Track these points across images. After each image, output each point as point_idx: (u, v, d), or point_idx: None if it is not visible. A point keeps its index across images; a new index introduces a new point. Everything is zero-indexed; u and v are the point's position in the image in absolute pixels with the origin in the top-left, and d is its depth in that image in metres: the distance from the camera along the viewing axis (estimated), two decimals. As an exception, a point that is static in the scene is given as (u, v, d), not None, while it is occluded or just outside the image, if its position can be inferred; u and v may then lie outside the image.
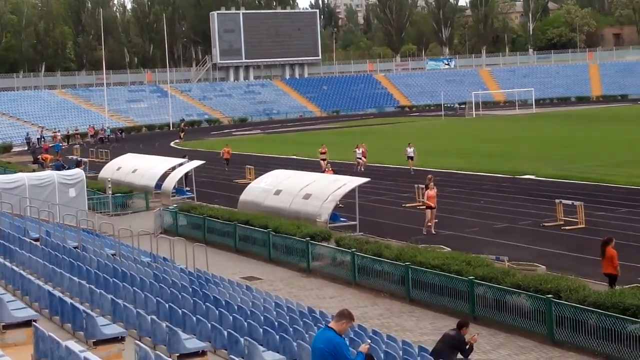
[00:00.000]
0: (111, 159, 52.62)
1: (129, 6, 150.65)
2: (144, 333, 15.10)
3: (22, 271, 18.40)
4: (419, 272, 20.79)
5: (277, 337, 14.17)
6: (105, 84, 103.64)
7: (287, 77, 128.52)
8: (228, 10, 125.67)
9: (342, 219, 31.10)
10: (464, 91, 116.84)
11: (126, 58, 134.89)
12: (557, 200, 30.47)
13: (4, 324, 13.36)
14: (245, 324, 15.05)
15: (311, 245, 25.20)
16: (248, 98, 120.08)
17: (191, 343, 14.04)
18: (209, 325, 15.01)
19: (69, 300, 15.52)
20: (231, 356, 13.61)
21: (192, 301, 16.90)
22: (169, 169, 42.88)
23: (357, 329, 15.45)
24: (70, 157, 64.45)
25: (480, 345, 16.39)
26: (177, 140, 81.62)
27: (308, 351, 12.11)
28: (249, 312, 16.33)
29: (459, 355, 13.95)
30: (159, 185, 41.23)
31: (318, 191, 31.20)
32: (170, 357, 13.23)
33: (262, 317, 15.87)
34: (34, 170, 46.82)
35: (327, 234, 26.61)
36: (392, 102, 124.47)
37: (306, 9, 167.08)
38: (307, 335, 14.22)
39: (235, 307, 16.77)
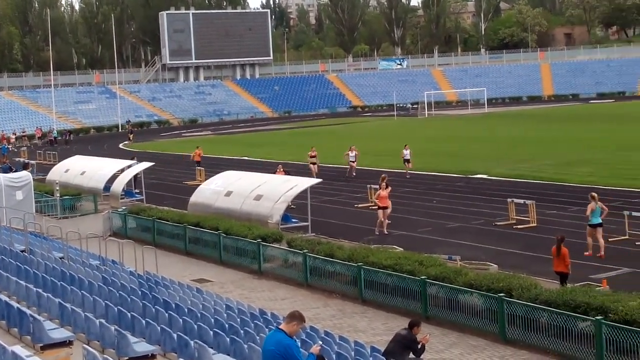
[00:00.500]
0: (59, 161, 51.93)
1: (77, 6, 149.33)
2: (92, 337, 14.95)
3: (-35, 276, 17.99)
4: (372, 273, 20.72)
5: (228, 339, 14.01)
6: (52, 85, 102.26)
7: (238, 77, 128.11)
8: (177, 10, 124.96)
9: (293, 220, 30.95)
10: (416, 91, 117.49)
11: (74, 59, 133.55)
12: (509, 200, 30.65)
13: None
14: (196, 326, 14.89)
15: (262, 246, 25.02)
16: (198, 99, 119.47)
17: (140, 346, 13.96)
18: (159, 328, 14.83)
19: (15, 305, 15.24)
20: (181, 359, 13.45)
21: (141, 304, 16.70)
22: (118, 171, 42.41)
23: (308, 331, 15.34)
24: (17, 159, 63.49)
25: (433, 344, 16.36)
26: (126, 142, 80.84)
27: (259, 353, 12.00)
28: (199, 315, 16.15)
29: (411, 355, 13.87)
30: (107, 187, 40.73)
31: (269, 192, 31.00)
32: (118, 361, 13.03)
33: (212, 320, 15.71)
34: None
35: (279, 235, 26.44)
36: (344, 102, 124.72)
37: (257, 9, 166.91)
38: (258, 338, 14.09)
39: (186, 309, 16.57)
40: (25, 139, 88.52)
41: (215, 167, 47.76)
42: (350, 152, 45.69)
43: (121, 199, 39.44)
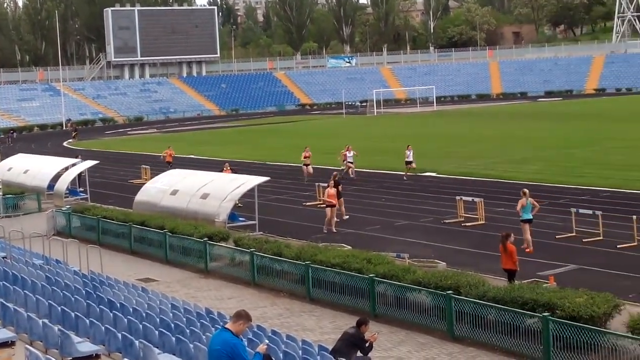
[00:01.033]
0: (2, 160, 51.03)
1: (20, 3, 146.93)
2: (35, 337, 14.75)
3: None
4: (319, 271, 20.60)
5: (174, 339, 13.86)
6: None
7: (185, 75, 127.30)
8: (123, 7, 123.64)
9: (241, 219, 30.72)
10: (365, 89, 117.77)
11: (17, 56, 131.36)
12: (457, 197, 30.76)
13: None
14: (141, 326, 14.70)
15: (209, 245, 24.76)
16: (144, 96, 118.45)
17: (84, 346, 13.83)
18: (103, 328, 14.65)
19: (-46, 306, 14.86)
20: (125, 359, 13.25)
21: (85, 304, 16.47)
22: (62, 170, 41.77)
23: (255, 330, 15.20)
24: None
25: (381, 342, 16.29)
26: (70, 140, 79.74)
27: (205, 353, 11.90)
28: (144, 314, 15.95)
29: (359, 354, 13.78)
30: (51, 186, 40.08)
31: (216, 191, 30.75)
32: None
33: (158, 319, 15.51)
34: None
35: (226, 234, 26.22)
36: (292, 100, 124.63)
37: (204, 6, 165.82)
38: (204, 337, 13.95)
39: (130, 309, 16.33)
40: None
41: (161, 165, 47.33)
42: (347, 152, 42.59)
43: (65, 197, 38.88)
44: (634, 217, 24.97)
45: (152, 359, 12.81)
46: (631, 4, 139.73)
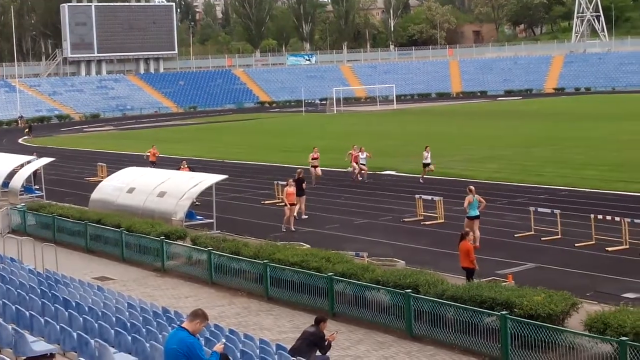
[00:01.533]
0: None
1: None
2: (-12, 337, 14.44)
3: None
4: (278, 270, 20.48)
5: (130, 338, 13.72)
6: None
7: (142, 72, 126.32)
8: (79, 3, 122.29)
9: (198, 217, 30.51)
10: (324, 87, 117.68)
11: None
12: (417, 196, 30.80)
13: None
14: (96, 325, 14.55)
15: (166, 244, 24.54)
16: (100, 93, 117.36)
17: (39, 345, 13.65)
18: (58, 327, 14.44)
19: None
20: (81, 358, 13.17)
21: (40, 303, 16.24)
22: (17, 167, 41.18)
23: (213, 329, 15.05)
24: None
25: (340, 341, 16.23)
26: (25, 137, 78.70)
27: (161, 352, 11.75)
28: (100, 313, 15.75)
29: (318, 353, 13.70)
30: (6, 183, 39.49)
31: (173, 189, 30.50)
32: (16, 360, 12.65)
33: (114, 318, 15.34)
34: None
35: (183, 232, 26.01)
36: (251, 97, 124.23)
37: (162, 2, 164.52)
38: (160, 336, 13.81)
39: (86, 308, 16.12)
40: None
41: (117, 163, 46.87)
42: (360, 153, 39.98)
43: (20, 195, 38.34)
44: (592, 215, 25.21)
45: (107, 358, 12.67)
46: (590, 4, 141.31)
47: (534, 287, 16.89)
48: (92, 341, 13.29)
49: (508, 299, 16.01)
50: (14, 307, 15.51)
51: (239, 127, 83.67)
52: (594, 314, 15.05)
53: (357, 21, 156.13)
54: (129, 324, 14.86)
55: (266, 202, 35.40)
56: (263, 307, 20.21)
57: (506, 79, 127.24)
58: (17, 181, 38.94)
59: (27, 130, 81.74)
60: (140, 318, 15.74)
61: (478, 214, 24.65)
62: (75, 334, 13.89)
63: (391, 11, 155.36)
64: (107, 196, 32.92)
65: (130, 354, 13.27)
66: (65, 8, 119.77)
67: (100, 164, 46.49)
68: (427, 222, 29.13)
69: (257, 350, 13.81)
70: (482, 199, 24.95)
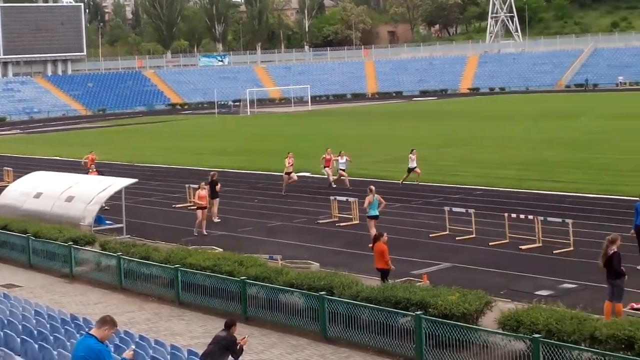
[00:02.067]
0: None
1: None
2: None
3: None
4: (189, 275, 20.09)
5: (36, 346, 13.40)
6: None
7: (50, 73, 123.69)
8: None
9: (107, 222, 29.94)
10: (238, 88, 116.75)
11: None
12: (331, 197, 30.68)
13: None
14: (2, 333, 14.22)
15: (74, 249, 23.91)
16: (6, 96, 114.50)
17: None
18: (-40, 336, 13.85)
19: None
20: (-16, 369, 12.65)
21: (-59, 312, 15.57)
22: None
23: (122, 335, 14.66)
24: None
25: (252, 345, 15.98)
26: None
27: None
28: (5, 322, 15.36)
29: (230, 357, 13.40)
30: None
31: (82, 193, 29.83)
32: None
33: (20, 326, 14.98)
34: None
35: (92, 237, 25.46)
36: (162, 99, 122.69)
37: (70, 2, 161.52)
38: (68, 344, 13.51)
39: (-9, 316, 15.55)
40: None
41: (24, 167, 45.58)
42: (340, 157, 37.76)
43: None
44: (506, 214, 25.48)
45: (13, 368, 12.30)
46: (504, 5, 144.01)
47: (448, 286, 16.88)
48: (-4, 350, 12.95)
49: (422, 299, 15.98)
50: None
51: (149, 129, 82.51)
52: (508, 312, 15.12)
53: (271, 22, 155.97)
54: (35, 332, 14.59)
55: (177, 205, 34.81)
56: (174, 312, 19.82)
57: (421, 79, 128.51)
58: None
59: None
60: (48, 325, 15.43)
61: (377, 213, 24.89)
62: (-22, 343, 13.47)
63: (306, 11, 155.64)
64: (13, 201, 32.18)
65: (36, 362, 12.97)
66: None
67: (6, 168, 45.15)
68: (341, 224, 29.01)
69: (169, 357, 13.63)
70: (382, 199, 25.15)
